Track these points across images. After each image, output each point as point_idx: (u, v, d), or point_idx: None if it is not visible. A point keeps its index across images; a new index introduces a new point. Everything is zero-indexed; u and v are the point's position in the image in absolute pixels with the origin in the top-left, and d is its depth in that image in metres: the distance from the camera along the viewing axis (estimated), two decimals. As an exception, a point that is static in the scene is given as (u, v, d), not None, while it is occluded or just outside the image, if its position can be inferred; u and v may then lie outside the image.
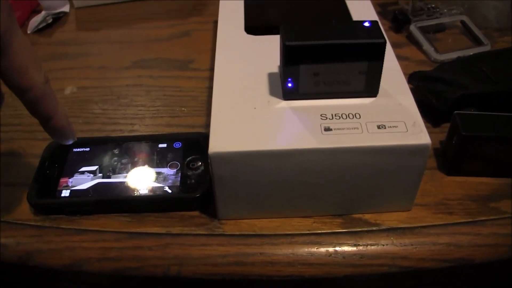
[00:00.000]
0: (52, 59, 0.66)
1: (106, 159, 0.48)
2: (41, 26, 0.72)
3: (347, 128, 0.40)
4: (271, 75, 0.46)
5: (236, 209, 0.44)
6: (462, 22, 0.68)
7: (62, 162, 0.48)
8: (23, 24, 0.73)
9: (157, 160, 0.47)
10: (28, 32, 0.71)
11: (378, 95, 0.43)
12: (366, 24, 0.42)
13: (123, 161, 0.48)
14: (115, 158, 0.48)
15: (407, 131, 0.40)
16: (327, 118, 0.41)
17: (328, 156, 0.39)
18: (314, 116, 0.41)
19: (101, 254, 0.43)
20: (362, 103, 0.42)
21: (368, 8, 0.56)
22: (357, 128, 0.40)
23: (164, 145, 0.49)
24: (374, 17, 0.54)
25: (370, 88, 0.43)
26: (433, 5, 0.69)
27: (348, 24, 0.46)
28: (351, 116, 0.41)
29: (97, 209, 0.46)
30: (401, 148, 0.39)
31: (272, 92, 0.44)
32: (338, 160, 0.40)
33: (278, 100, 0.43)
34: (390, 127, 0.40)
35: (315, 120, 0.41)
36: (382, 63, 0.41)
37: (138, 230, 0.44)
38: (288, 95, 0.43)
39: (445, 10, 0.69)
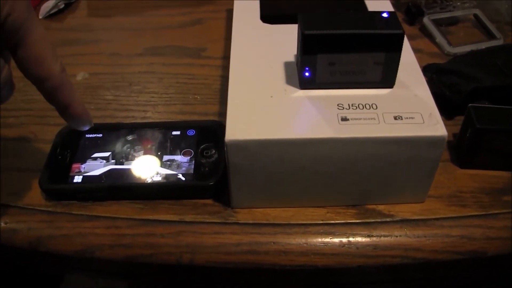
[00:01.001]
0: (64, 45, 0.66)
1: (119, 146, 0.48)
2: (52, 11, 0.72)
3: (364, 119, 0.40)
4: (287, 64, 0.45)
5: (250, 197, 0.44)
6: (475, 15, 0.67)
7: (74, 147, 0.48)
8: (35, 9, 0.73)
9: (171, 147, 0.47)
10: (40, 17, 0.71)
11: (394, 86, 0.43)
12: (384, 15, 0.41)
13: (136, 147, 0.48)
14: (128, 145, 0.48)
15: (424, 122, 0.40)
16: (344, 108, 0.41)
17: (344, 146, 0.39)
18: (331, 106, 0.41)
19: (114, 241, 0.43)
20: (378, 94, 0.42)
21: (384, 1, 0.56)
22: (374, 119, 0.40)
23: (178, 133, 0.49)
24: (390, 8, 0.54)
25: (387, 79, 0.43)
26: (446, -2, 0.69)
27: (366, 14, 0.46)
28: (367, 106, 0.41)
29: (109, 196, 0.45)
30: (417, 140, 0.39)
31: (289, 81, 0.44)
32: (355, 150, 0.40)
33: (294, 89, 0.43)
34: (407, 118, 0.40)
35: (332, 110, 0.41)
36: (400, 54, 0.41)
37: (151, 217, 0.44)
38: (305, 84, 0.43)
39: (458, 3, 0.68)
